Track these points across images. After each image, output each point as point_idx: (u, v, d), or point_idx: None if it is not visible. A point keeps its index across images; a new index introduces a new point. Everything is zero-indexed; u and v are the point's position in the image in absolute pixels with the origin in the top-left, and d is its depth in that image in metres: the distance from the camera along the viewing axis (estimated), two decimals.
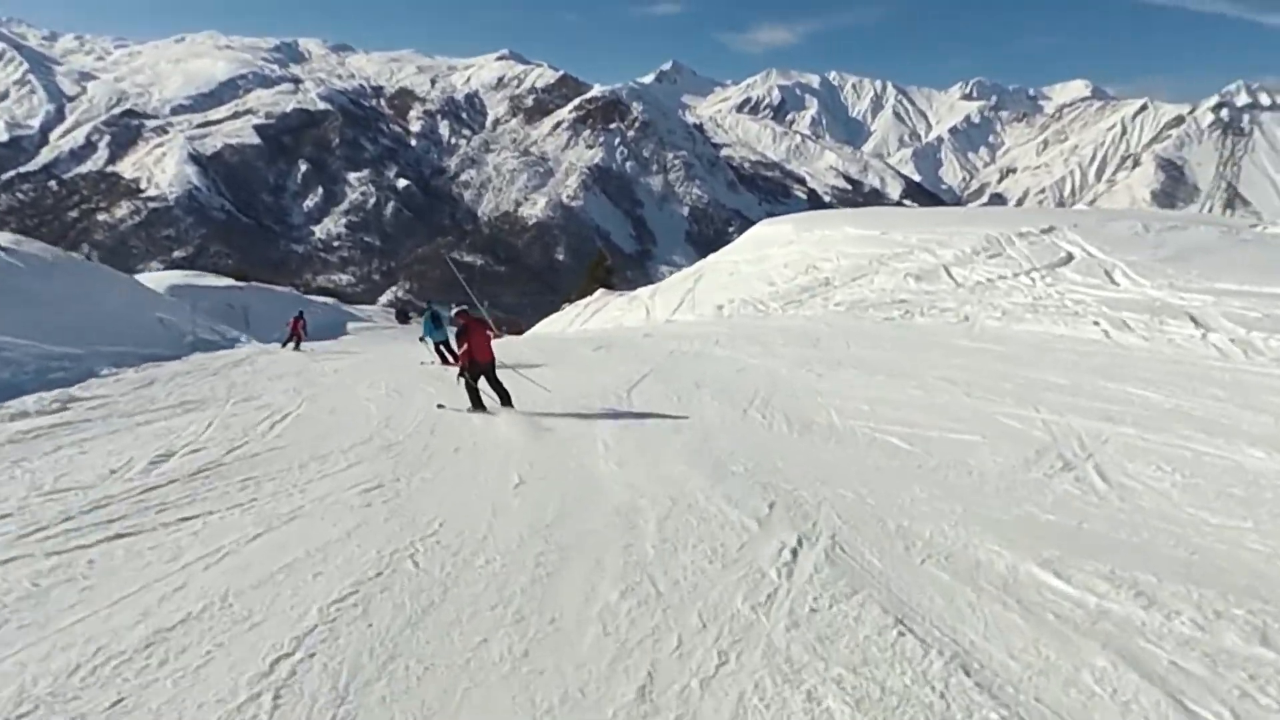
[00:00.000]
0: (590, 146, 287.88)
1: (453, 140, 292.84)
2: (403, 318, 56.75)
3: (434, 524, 5.09)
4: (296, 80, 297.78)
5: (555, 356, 15.71)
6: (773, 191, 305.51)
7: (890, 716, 3.04)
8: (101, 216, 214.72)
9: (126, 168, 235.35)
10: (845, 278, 23.05)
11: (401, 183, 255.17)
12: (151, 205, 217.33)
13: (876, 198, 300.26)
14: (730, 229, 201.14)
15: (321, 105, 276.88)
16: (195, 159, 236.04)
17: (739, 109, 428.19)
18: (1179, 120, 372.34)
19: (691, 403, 10.01)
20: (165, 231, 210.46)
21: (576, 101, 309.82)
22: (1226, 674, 3.35)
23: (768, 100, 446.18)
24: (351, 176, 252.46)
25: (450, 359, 15.76)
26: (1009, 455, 7.18)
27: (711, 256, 32.13)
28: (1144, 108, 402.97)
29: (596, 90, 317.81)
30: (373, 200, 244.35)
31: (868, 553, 4.60)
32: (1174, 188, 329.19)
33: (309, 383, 12.68)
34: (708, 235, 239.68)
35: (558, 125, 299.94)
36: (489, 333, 9.95)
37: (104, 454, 7.06)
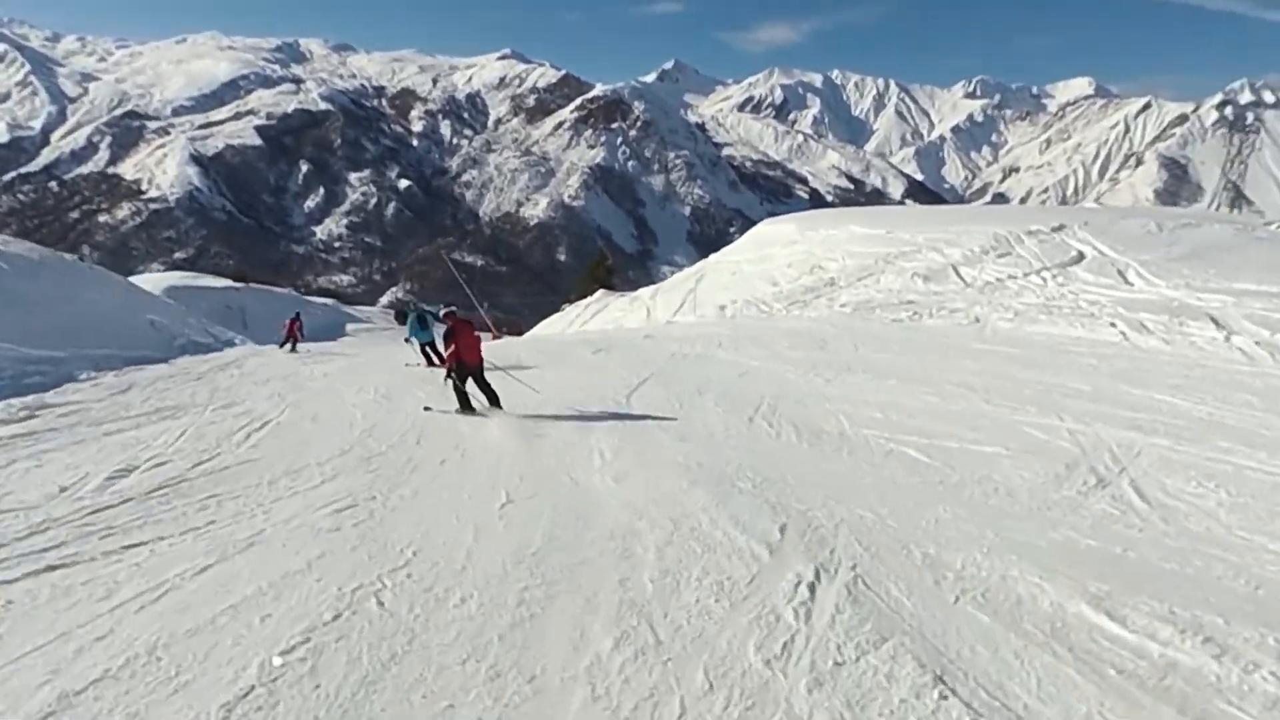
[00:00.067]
0: (592, 146, 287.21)
1: (454, 140, 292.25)
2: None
3: (407, 552, 4.56)
4: (298, 80, 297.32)
5: (553, 358, 15.19)
6: (774, 191, 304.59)
7: None
8: (102, 218, 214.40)
9: (128, 169, 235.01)
10: (850, 278, 22.51)
11: (403, 183, 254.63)
12: (152, 206, 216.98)
13: (878, 197, 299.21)
14: (732, 229, 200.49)
15: (323, 105, 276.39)
16: (196, 160, 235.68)
17: (741, 108, 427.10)
18: (1182, 119, 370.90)
19: (694, 409, 9.49)
20: (166, 233, 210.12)
21: (578, 101, 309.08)
22: None
23: (770, 99, 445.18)
24: (353, 177, 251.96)
25: (436, 360, 15.39)
26: (1037, 470, 6.66)
27: (713, 256, 31.59)
28: (1147, 106, 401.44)
29: (598, 90, 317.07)
30: (374, 201, 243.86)
31: (894, 588, 4.07)
32: (1177, 186, 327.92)
33: (295, 387, 12.18)
34: (709, 235, 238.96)
35: (559, 125, 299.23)
36: (478, 334, 9.71)
37: (60, 468, 6.55)
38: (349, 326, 52.07)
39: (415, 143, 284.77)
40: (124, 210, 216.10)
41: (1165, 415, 8.43)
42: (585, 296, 36.94)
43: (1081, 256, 19.74)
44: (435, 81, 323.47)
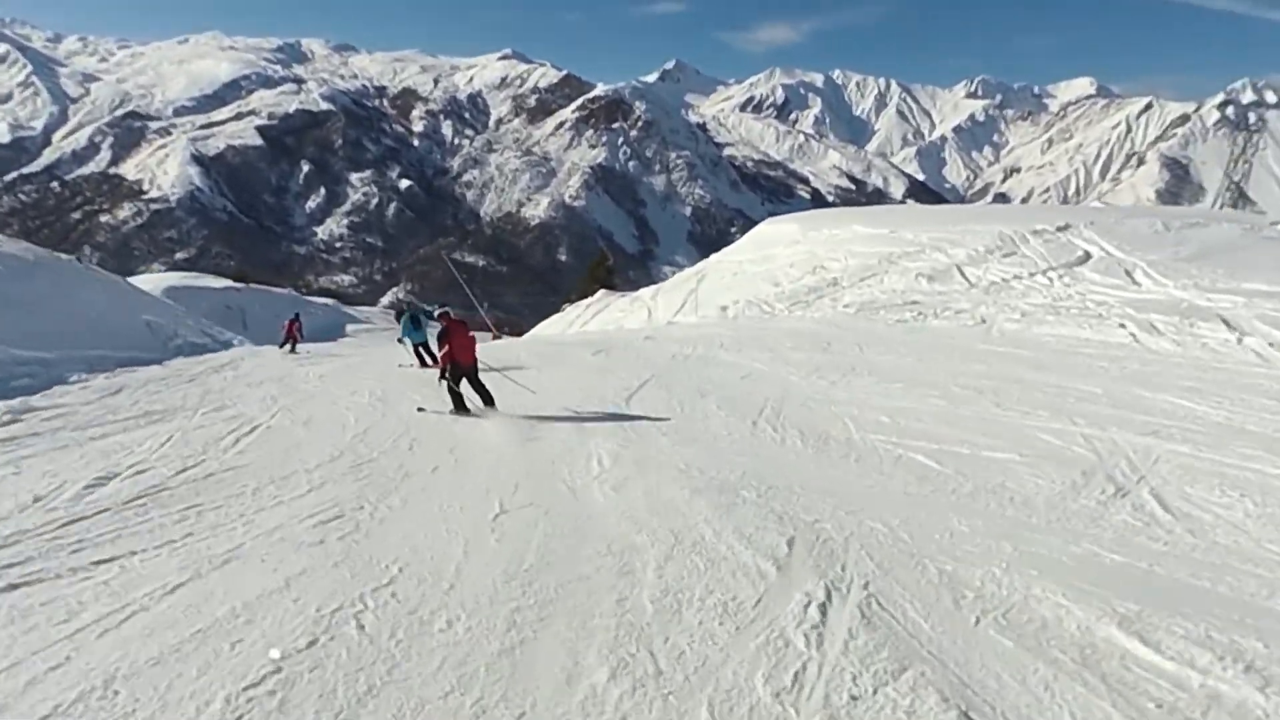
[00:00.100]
0: (593, 146, 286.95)
1: (455, 140, 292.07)
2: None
3: (393, 568, 4.30)
4: (299, 81, 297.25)
5: (552, 360, 14.95)
6: (776, 191, 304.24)
7: None
8: (104, 218, 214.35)
9: (129, 169, 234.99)
10: (854, 278, 22.26)
11: (404, 183, 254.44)
12: (154, 207, 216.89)
13: (880, 197, 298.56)
14: (733, 229, 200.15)
15: (324, 106, 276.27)
16: (198, 160, 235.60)
17: (742, 108, 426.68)
18: (1184, 119, 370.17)
19: (695, 413, 9.24)
20: (167, 233, 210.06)
21: (579, 101, 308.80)
22: None
23: (771, 99, 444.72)
24: (354, 177, 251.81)
25: (430, 361, 15.21)
26: (1053, 477, 6.40)
27: (715, 256, 31.34)
28: (1149, 106, 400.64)
29: (600, 90, 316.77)
30: (375, 201, 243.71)
31: (911, 609, 3.81)
32: (1179, 186, 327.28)
33: (289, 390, 11.92)
34: (710, 235, 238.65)
35: (560, 125, 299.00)
36: (472, 335, 9.59)
37: (37, 476, 6.30)
38: (349, 327, 51.88)
39: (416, 143, 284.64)
40: (125, 211, 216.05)
41: (1182, 420, 8.17)
42: (586, 297, 36.70)
43: (1088, 256, 19.51)
44: (436, 81, 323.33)
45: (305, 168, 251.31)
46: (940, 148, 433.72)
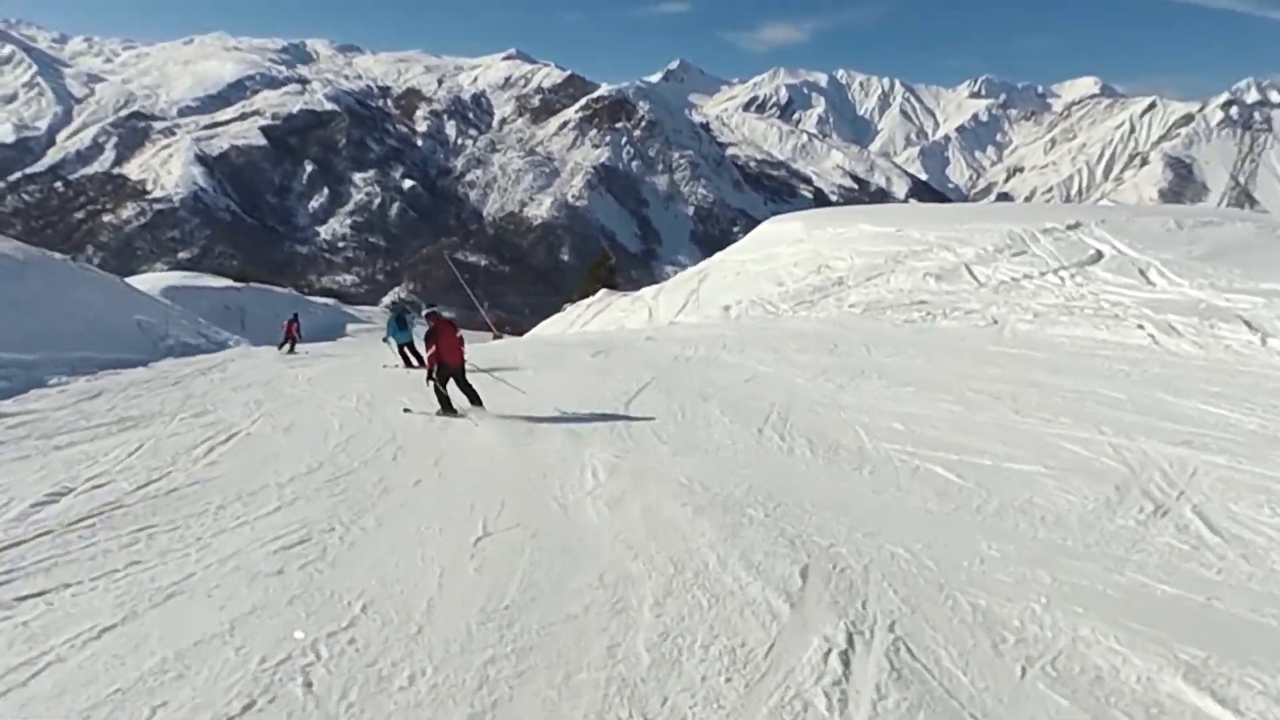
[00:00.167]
0: (596, 146, 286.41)
1: (459, 140, 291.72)
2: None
3: (355, 606, 3.81)
4: (304, 81, 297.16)
5: (550, 361, 14.46)
6: (778, 191, 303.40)
7: None
8: (107, 218, 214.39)
9: (133, 169, 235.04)
10: (859, 277, 21.77)
11: (407, 183, 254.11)
12: (157, 207, 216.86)
13: (883, 197, 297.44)
14: (735, 228, 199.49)
15: (328, 106, 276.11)
16: (201, 160, 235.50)
17: (746, 108, 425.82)
18: (1188, 118, 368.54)
19: (697, 419, 8.75)
20: (170, 233, 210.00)
21: (583, 101, 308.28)
22: None
23: (774, 99, 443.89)
24: (357, 177, 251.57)
25: (415, 362, 14.83)
26: (1084, 493, 5.90)
27: (717, 255, 30.83)
28: (1153, 106, 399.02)
29: (603, 90, 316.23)
30: (378, 201, 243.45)
31: (945, 656, 3.31)
32: (1182, 186, 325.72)
33: (275, 393, 11.46)
34: (713, 235, 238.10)
35: (564, 125, 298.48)
36: (460, 335, 9.33)
37: None
38: (349, 327, 51.47)
39: (420, 143, 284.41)
40: (128, 210, 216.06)
41: (1214, 428, 7.68)
42: (588, 296, 36.23)
43: (1100, 255, 18.99)
44: (440, 82, 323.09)
45: (309, 168, 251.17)
46: (944, 147, 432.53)
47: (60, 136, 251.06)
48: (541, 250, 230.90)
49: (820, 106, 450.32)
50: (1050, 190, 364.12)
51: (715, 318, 21.89)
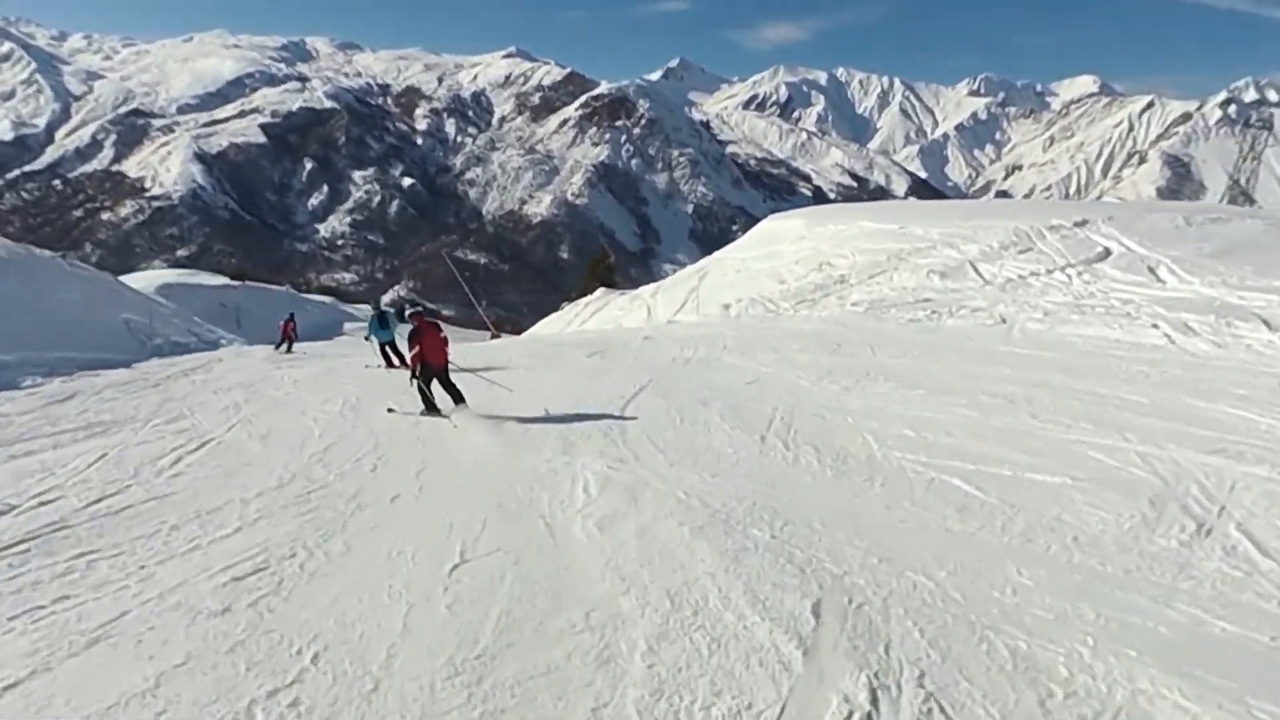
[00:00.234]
0: (596, 144, 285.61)
1: (459, 138, 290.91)
2: (399, 316, 55.25)
3: (306, 654, 3.33)
4: (303, 79, 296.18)
5: (545, 361, 13.99)
6: (778, 189, 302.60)
7: None
8: (106, 215, 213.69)
9: (132, 167, 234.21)
10: (862, 275, 21.30)
11: (406, 181, 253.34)
12: (156, 204, 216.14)
13: (882, 195, 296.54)
14: (735, 227, 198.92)
15: (328, 104, 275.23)
16: (200, 158, 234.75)
17: (746, 106, 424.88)
18: (1186, 117, 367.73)
19: (697, 425, 8.27)
20: (169, 230, 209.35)
21: (583, 99, 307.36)
22: None
23: (775, 97, 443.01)
24: (356, 175, 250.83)
25: (396, 361, 14.42)
26: (1117, 509, 5.42)
27: (717, 253, 30.34)
28: (1151, 104, 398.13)
29: (603, 88, 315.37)
30: (377, 199, 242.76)
31: (985, 717, 2.84)
32: (1180, 184, 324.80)
33: (256, 397, 10.98)
34: (712, 233, 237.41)
35: (564, 123, 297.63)
36: (444, 335, 9.08)
37: None
38: (347, 325, 50.92)
39: (419, 141, 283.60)
40: (127, 208, 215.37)
41: (1246, 435, 7.20)
42: (587, 295, 35.75)
43: (1108, 253, 18.52)
44: (440, 80, 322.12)
45: (308, 165, 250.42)
46: (943, 145, 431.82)
47: (59, 134, 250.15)
48: (541, 248, 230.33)
49: (820, 105, 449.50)
50: (1049, 188, 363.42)
51: (715, 316, 21.43)
